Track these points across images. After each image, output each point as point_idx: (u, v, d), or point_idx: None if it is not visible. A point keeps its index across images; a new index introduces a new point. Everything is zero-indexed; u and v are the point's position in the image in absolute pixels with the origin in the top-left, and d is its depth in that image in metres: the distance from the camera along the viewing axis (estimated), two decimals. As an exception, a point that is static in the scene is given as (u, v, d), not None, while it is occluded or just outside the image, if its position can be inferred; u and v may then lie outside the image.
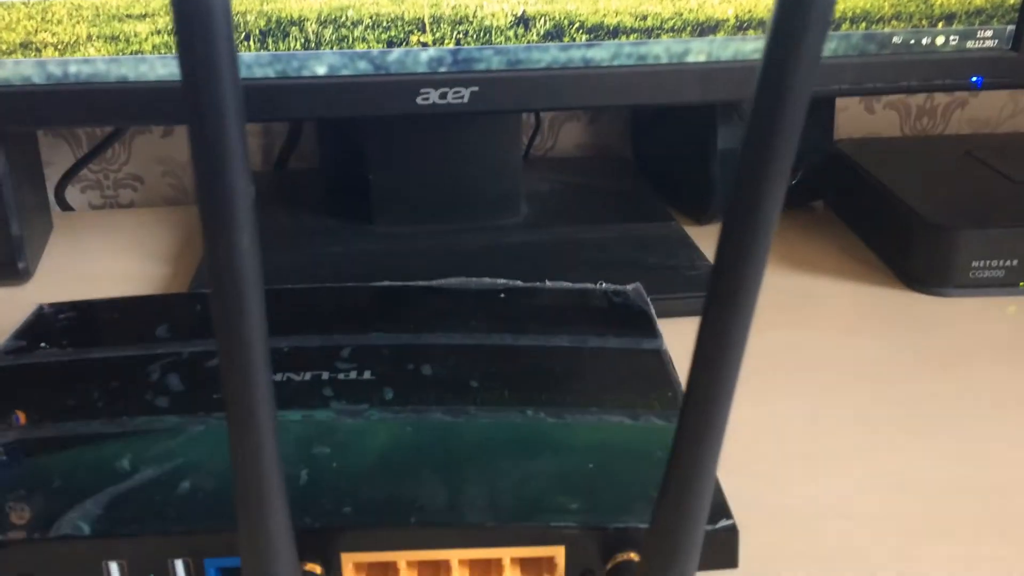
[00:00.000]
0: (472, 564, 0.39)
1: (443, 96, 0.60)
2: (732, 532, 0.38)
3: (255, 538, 0.30)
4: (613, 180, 0.83)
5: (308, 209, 0.78)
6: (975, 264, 0.62)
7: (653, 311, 0.54)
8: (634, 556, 0.38)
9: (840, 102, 0.87)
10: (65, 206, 0.87)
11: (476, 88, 0.60)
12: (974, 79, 0.62)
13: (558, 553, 0.38)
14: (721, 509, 0.38)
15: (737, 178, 0.23)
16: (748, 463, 0.47)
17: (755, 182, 0.22)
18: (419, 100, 0.60)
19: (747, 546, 0.38)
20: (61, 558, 0.38)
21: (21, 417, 0.40)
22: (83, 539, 0.37)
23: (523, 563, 0.39)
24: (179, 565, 0.38)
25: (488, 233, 0.72)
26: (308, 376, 0.48)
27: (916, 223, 0.65)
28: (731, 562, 0.38)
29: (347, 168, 0.75)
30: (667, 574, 0.30)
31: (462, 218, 0.73)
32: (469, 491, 0.39)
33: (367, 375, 0.48)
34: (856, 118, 0.92)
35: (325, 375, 0.48)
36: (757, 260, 0.23)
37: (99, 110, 0.60)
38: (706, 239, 0.71)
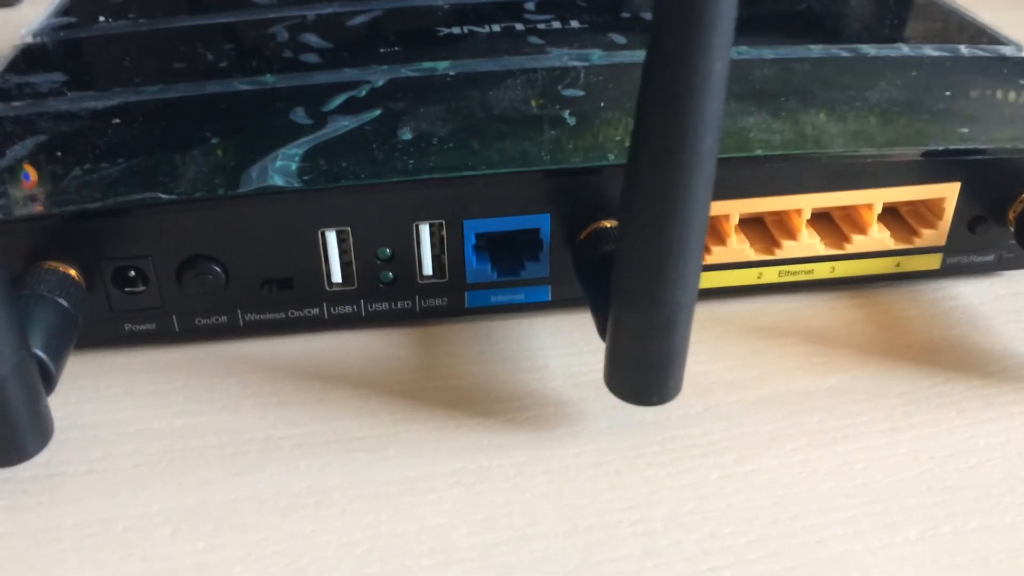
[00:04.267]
0: (820, 222, 0.28)
1: None
2: None
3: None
4: None
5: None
6: None
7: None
8: (1049, 193, 0.27)
9: None
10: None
11: None
12: None
13: (949, 194, 0.28)
14: None
15: None
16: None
17: None
18: None
19: None
20: (253, 227, 0.25)
21: (31, 174, 0.26)
22: (288, 195, 0.25)
23: (893, 215, 0.29)
24: (424, 232, 0.26)
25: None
26: (498, 28, 0.36)
27: None
28: None
29: None
30: None
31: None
32: (806, 121, 0.28)
33: (574, 24, 0.36)
34: None
35: (519, 26, 0.36)
36: None
37: None
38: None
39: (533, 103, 0.29)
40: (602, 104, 0.29)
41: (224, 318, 0.27)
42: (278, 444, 0.24)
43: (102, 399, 0.25)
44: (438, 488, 0.22)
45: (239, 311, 0.27)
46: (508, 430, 0.24)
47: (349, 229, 0.26)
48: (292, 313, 0.27)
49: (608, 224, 0.26)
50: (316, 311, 0.27)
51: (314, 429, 0.24)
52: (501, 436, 0.24)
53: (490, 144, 0.27)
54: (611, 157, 0.26)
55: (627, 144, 0.27)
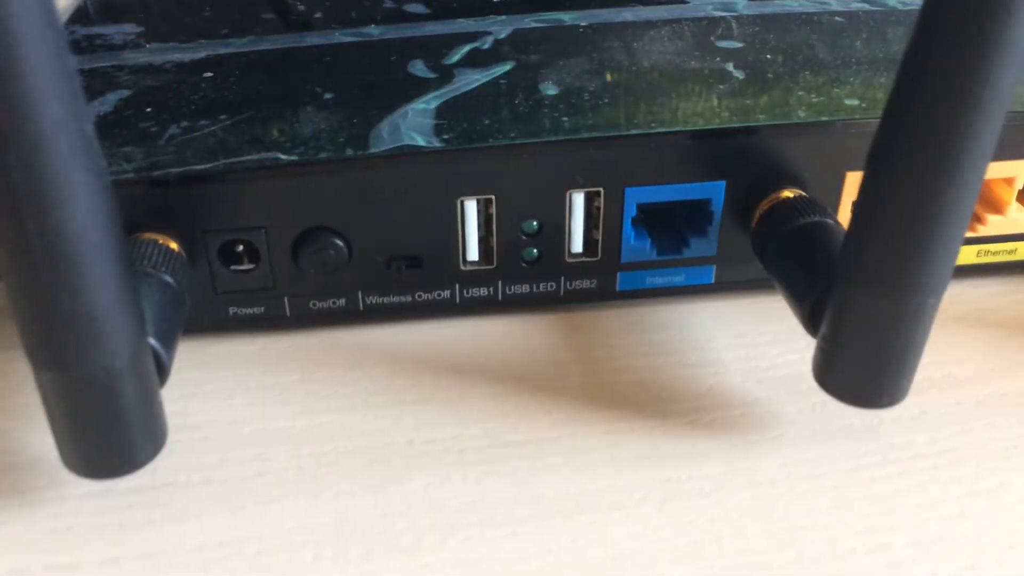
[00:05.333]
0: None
1: None
2: None
3: None
4: None
5: None
6: None
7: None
8: None
9: None
10: None
11: None
12: None
13: None
14: None
15: None
16: None
17: None
18: None
19: None
20: (383, 194, 0.22)
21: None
22: (427, 157, 0.21)
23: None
24: (577, 200, 0.22)
25: None
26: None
27: None
28: None
29: None
30: None
31: None
32: None
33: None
34: None
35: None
36: None
37: None
38: None
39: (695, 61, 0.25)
40: (768, 56, 0.25)
41: (342, 301, 0.23)
42: (423, 450, 0.20)
43: (209, 394, 0.21)
44: (623, 504, 0.19)
45: (360, 293, 0.23)
46: (691, 435, 0.20)
47: (493, 197, 0.22)
48: (420, 296, 0.23)
49: (790, 194, 0.22)
50: (447, 294, 0.24)
51: (462, 432, 0.20)
52: (685, 442, 0.20)
53: (652, 100, 0.23)
54: (801, 114, 0.22)
55: (814, 99, 0.23)
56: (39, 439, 0.20)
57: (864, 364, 0.18)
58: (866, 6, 0.29)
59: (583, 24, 0.28)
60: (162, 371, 0.18)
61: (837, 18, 0.28)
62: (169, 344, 0.19)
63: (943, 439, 0.20)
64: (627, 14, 0.28)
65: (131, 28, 0.29)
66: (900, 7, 0.29)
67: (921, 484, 0.19)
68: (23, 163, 0.13)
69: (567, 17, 0.28)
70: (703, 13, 0.28)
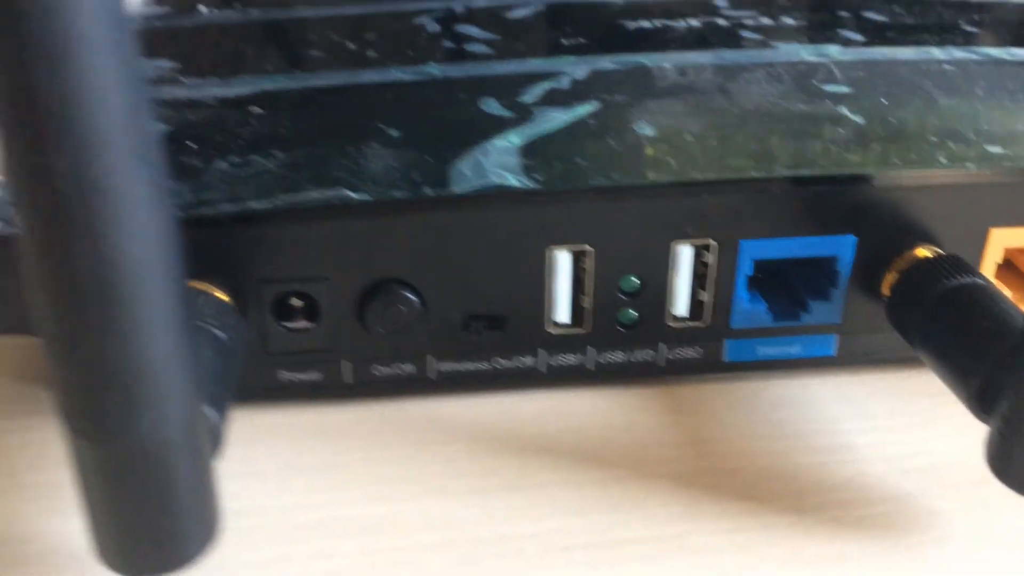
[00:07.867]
0: None
1: None
2: None
3: None
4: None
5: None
6: None
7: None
8: None
9: None
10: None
11: None
12: None
13: None
14: None
15: None
16: None
17: None
18: None
19: None
20: (465, 242, 0.19)
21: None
22: (518, 199, 0.18)
23: None
24: (684, 254, 0.19)
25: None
26: (696, 22, 0.29)
27: None
28: None
29: None
30: None
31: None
32: None
33: (788, 20, 0.29)
34: None
35: (722, 21, 0.29)
36: None
37: None
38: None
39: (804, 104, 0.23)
40: (884, 101, 0.23)
41: (411, 367, 0.20)
42: (519, 546, 0.17)
43: (261, 474, 0.18)
44: (772, 620, 0.15)
45: (430, 358, 0.20)
46: (838, 535, 0.17)
47: (592, 249, 0.19)
48: (499, 363, 0.20)
49: (928, 252, 0.19)
50: (530, 361, 0.20)
51: (562, 525, 0.17)
52: (832, 543, 0.17)
53: (766, 141, 0.20)
54: (943, 160, 0.20)
55: (952, 146, 0.20)
56: (58, 525, 0.16)
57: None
58: (972, 55, 0.26)
59: (666, 65, 0.25)
60: (217, 443, 0.15)
61: (946, 66, 0.25)
62: (223, 411, 0.15)
63: None
64: (710, 57, 0.26)
65: (165, 63, 0.27)
66: (1007, 57, 0.26)
67: None
68: (76, 169, 0.10)
69: (649, 59, 0.26)
70: (796, 58, 0.26)
